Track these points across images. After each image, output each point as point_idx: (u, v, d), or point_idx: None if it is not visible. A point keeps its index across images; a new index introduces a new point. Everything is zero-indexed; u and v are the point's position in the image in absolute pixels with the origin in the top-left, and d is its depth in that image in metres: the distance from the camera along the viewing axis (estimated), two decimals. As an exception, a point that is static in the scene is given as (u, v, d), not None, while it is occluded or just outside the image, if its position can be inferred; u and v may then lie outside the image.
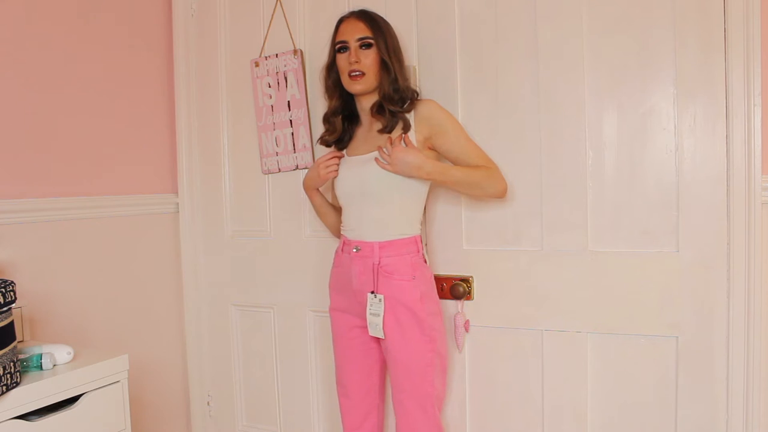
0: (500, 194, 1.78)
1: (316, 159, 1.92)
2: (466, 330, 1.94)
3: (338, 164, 1.84)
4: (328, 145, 1.89)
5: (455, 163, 1.77)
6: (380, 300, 1.71)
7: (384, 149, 1.71)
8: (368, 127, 1.83)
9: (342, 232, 1.83)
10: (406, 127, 1.74)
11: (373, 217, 1.75)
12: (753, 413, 1.65)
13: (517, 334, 1.90)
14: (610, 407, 1.81)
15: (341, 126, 1.85)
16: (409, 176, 1.70)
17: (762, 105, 1.61)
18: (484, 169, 1.75)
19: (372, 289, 1.73)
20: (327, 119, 1.87)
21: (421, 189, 1.78)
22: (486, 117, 1.91)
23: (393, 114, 1.74)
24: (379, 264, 1.73)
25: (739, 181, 1.64)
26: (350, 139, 1.86)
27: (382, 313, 1.71)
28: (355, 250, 1.76)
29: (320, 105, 2.04)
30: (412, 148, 1.69)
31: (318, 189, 1.94)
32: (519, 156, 1.87)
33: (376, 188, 1.73)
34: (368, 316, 1.73)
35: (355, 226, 1.78)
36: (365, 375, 1.84)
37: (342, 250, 1.82)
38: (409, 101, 1.77)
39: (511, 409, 1.93)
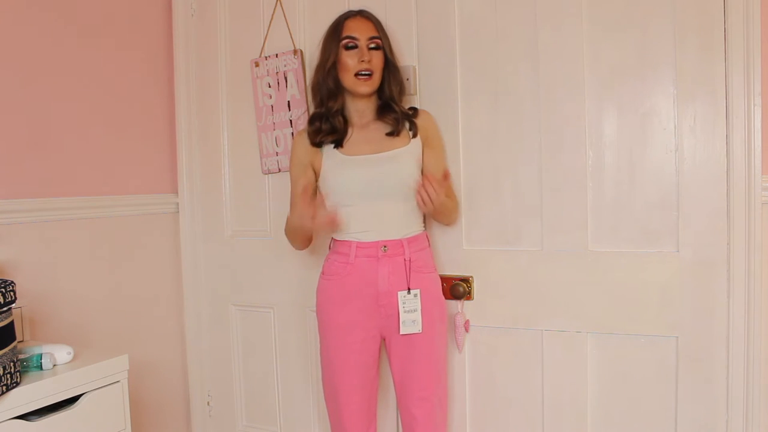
0: (453, 224, 1.94)
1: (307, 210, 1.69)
2: (466, 330, 1.94)
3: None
4: (318, 146, 1.82)
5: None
6: (416, 295, 1.73)
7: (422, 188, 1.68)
8: (365, 127, 1.81)
9: (346, 238, 1.78)
10: (414, 131, 1.79)
11: (397, 215, 1.75)
12: (753, 413, 1.65)
13: (517, 334, 1.90)
14: (610, 407, 1.81)
15: (343, 125, 1.81)
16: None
17: (762, 105, 1.61)
18: (455, 202, 1.90)
19: (404, 287, 1.73)
20: (323, 118, 1.80)
21: None
22: (486, 117, 1.91)
23: (403, 116, 1.77)
24: (410, 260, 1.74)
25: (739, 181, 1.64)
26: (344, 138, 1.81)
27: (419, 308, 1.73)
28: (384, 250, 1.74)
29: (320, 105, 2.03)
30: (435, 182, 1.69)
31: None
32: (519, 156, 1.87)
33: (399, 186, 1.74)
34: (402, 315, 1.73)
35: (373, 227, 1.75)
36: (369, 384, 1.83)
37: (355, 255, 1.75)
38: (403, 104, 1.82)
39: (511, 408, 1.93)
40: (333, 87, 1.78)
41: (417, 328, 1.73)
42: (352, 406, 1.81)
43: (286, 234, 1.93)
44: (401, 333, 1.74)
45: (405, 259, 1.74)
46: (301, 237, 1.87)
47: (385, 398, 2.05)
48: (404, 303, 1.73)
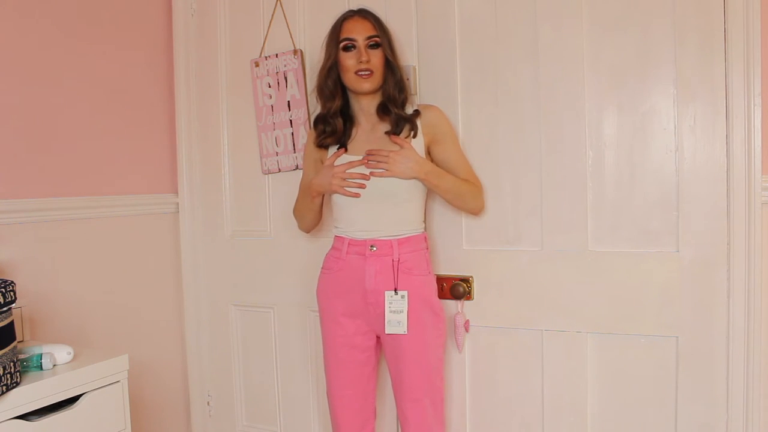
0: (478, 211, 1.90)
1: (334, 163, 1.77)
2: (466, 330, 1.94)
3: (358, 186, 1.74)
4: (324, 147, 1.85)
5: (447, 170, 1.82)
6: (403, 297, 1.72)
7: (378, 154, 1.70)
8: (369, 127, 1.82)
9: (341, 233, 1.81)
10: (414, 131, 1.77)
11: (390, 215, 1.75)
12: (753, 413, 1.65)
13: (517, 334, 1.90)
14: (610, 407, 1.81)
15: (342, 126, 1.82)
16: (408, 177, 1.72)
17: (762, 105, 1.61)
18: (472, 184, 1.84)
19: (391, 287, 1.73)
20: (325, 120, 1.82)
21: (425, 191, 1.82)
22: (486, 117, 1.91)
23: (400, 117, 1.76)
24: (398, 261, 1.73)
25: (739, 181, 1.64)
26: (348, 139, 1.82)
27: (405, 310, 1.72)
28: (372, 249, 1.75)
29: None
30: (408, 148, 1.72)
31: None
32: (519, 156, 1.87)
33: (394, 188, 1.74)
34: (388, 314, 1.73)
35: (366, 226, 1.76)
36: (365, 382, 1.84)
37: (346, 251, 1.78)
38: (406, 103, 1.80)
39: (511, 409, 1.93)
40: (332, 87, 1.79)
41: (402, 330, 1.72)
42: (344, 399, 1.82)
43: (294, 214, 1.99)
44: (386, 332, 1.75)
45: (393, 260, 1.74)
46: (309, 213, 1.92)
47: (383, 397, 2.06)
48: (390, 303, 1.73)
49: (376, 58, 1.74)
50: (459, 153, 1.85)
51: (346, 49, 1.74)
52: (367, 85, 1.74)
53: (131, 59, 2.25)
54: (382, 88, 1.78)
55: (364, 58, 1.72)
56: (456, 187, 1.80)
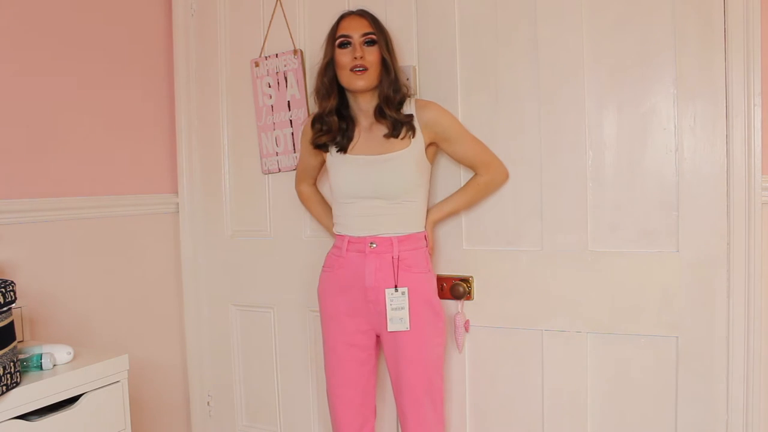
0: (503, 183, 1.89)
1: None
2: (466, 330, 1.94)
3: None
4: (322, 148, 1.84)
5: (460, 160, 1.84)
6: (403, 293, 1.73)
7: None
8: (368, 127, 1.81)
9: (343, 231, 1.81)
10: (412, 132, 1.76)
11: (389, 214, 1.75)
12: (753, 413, 1.65)
13: (517, 334, 1.90)
14: (610, 407, 1.82)
15: (338, 125, 1.80)
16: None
17: (762, 105, 1.61)
18: (479, 179, 1.84)
19: (391, 284, 1.73)
20: (321, 119, 1.81)
21: (427, 187, 1.83)
22: (486, 117, 1.91)
23: (396, 120, 1.75)
24: (398, 258, 1.73)
25: (739, 181, 1.64)
26: (347, 139, 1.80)
27: (406, 306, 1.73)
28: (372, 246, 1.75)
29: (320, 105, 2.03)
30: None
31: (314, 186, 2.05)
32: (519, 156, 1.87)
33: (394, 187, 1.74)
34: (389, 312, 1.73)
35: (364, 224, 1.76)
36: (365, 380, 1.84)
37: (347, 249, 1.78)
38: (405, 101, 1.79)
39: (511, 409, 1.93)
40: (328, 86, 1.79)
41: (404, 326, 1.73)
42: (344, 398, 1.82)
43: (303, 202, 2.10)
44: (389, 330, 1.75)
45: (393, 257, 1.74)
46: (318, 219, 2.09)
47: (383, 396, 2.06)
48: (391, 300, 1.73)
49: (371, 55, 1.74)
50: (465, 141, 1.81)
51: (342, 45, 1.74)
52: (360, 83, 1.73)
53: (131, 59, 2.25)
54: (378, 87, 1.77)
55: (358, 54, 1.72)
56: (467, 200, 1.86)
